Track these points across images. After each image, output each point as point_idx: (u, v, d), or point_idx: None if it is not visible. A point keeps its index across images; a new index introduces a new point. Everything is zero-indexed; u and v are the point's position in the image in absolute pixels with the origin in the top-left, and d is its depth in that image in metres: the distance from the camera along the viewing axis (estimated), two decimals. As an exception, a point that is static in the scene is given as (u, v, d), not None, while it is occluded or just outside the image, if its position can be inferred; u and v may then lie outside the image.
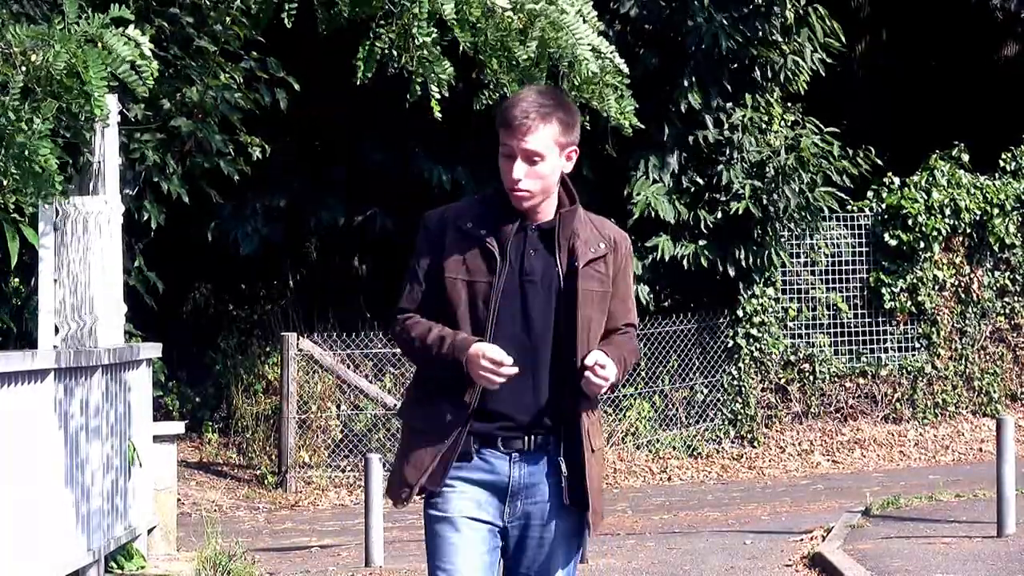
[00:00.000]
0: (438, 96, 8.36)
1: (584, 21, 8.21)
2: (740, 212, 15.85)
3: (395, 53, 8.38)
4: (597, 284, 4.35)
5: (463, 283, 4.30)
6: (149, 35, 7.02)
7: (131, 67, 6.61)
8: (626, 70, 8.56)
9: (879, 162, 16.53)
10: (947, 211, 17.39)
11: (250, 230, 16.05)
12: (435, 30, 8.20)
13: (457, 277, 4.30)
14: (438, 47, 8.28)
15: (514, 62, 8.23)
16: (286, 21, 8.68)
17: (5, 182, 7.02)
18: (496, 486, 4.34)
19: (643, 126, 9.52)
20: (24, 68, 6.43)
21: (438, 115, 8.36)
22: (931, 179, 17.47)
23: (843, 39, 16.67)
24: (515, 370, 4.19)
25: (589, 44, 8.14)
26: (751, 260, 16.19)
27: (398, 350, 15.12)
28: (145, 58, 6.57)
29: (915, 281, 17.36)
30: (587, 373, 4.23)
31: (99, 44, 6.52)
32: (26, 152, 6.43)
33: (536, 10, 8.08)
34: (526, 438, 4.32)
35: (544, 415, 4.32)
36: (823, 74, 16.61)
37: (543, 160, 4.28)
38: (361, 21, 8.68)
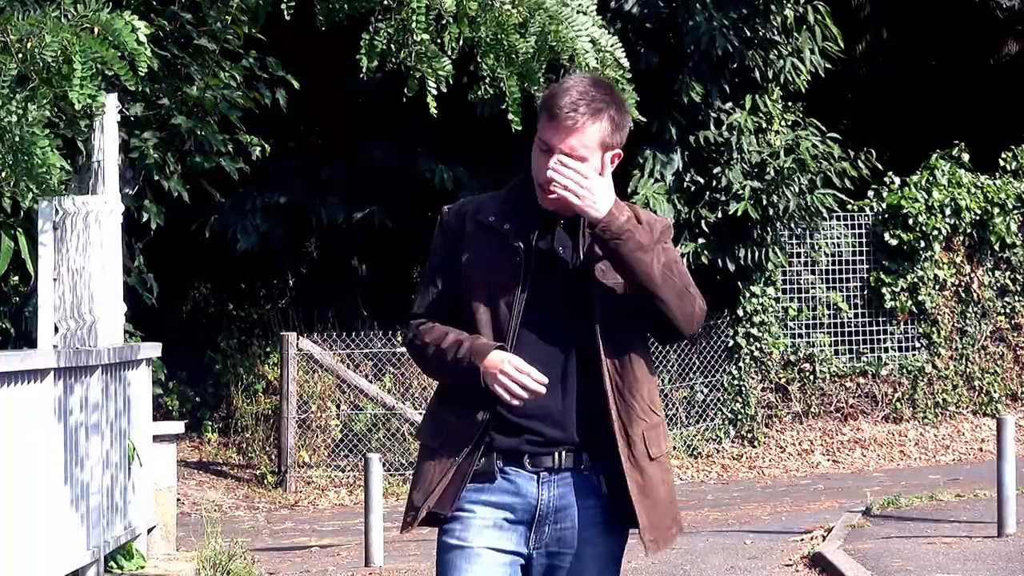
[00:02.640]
0: (435, 92, 8.34)
1: (584, 14, 8.19)
2: (740, 213, 15.83)
3: (393, 48, 8.35)
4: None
5: (483, 283, 3.82)
6: (148, 29, 6.98)
7: (125, 54, 6.56)
8: (627, 63, 8.54)
9: (879, 166, 16.51)
10: (947, 210, 17.37)
11: (249, 228, 16.04)
12: (433, 23, 8.18)
13: (477, 277, 3.83)
14: (437, 42, 8.26)
15: (513, 55, 8.19)
16: (285, 13, 8.68)
17: (3, 174, 6.99)
18: (522, 510, 3.86)
19: (644, 119, 9.48)
20: (20, 56, 6.39)
21: (433, 111, 8.35)
22: (931, 178, 17.45)
23: (841, 44, 16.63)
24: (543, 389, 3.75)
25: (589, 36, 8.12)
26: (751, 259, 16.17)
27: (399, 350, 15.28)
28: (141, 44, 6.52)
29: (915, 281, 17.34)
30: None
31: (95, 30, 6.48)
32: (24, 142, 6.38)
33: (535, 3, 8.05)
34: (555, 454, 3.84)
35: (574, 429, 3.83)
36: (822, 75, 16.59)
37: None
38: (360, 16, 8.67)
